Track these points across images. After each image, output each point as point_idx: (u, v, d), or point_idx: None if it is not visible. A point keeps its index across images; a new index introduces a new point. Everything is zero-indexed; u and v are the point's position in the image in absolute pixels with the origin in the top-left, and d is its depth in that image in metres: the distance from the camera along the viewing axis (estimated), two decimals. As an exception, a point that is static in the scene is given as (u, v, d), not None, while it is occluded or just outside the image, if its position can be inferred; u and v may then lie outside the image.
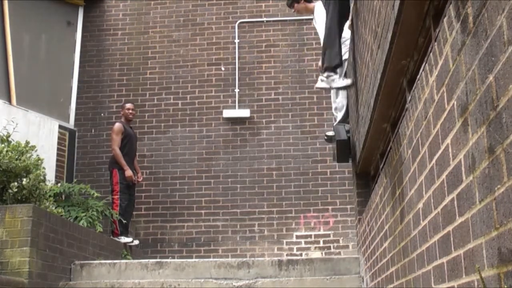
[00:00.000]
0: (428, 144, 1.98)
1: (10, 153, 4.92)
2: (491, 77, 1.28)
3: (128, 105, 7.44)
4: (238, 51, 8.51)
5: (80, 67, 8.64)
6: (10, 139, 5.45)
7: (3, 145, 5.08)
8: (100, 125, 8.45)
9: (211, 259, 6.04)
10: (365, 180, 5.03)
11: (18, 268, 4.37)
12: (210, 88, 8.45)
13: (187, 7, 8.79)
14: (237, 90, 8.35)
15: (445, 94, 1.73)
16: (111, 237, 6.72)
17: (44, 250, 4.68)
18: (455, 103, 1.61)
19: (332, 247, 7.72)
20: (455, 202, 1.65)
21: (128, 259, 6.44)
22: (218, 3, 8.75)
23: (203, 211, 8.01)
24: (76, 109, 8.52)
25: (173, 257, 7.56)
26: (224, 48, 8.58)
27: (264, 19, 8.59)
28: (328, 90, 5.34)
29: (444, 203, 1.78)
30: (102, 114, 8.51)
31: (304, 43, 8.45)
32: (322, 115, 8.15)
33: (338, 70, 4.67)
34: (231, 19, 8.66)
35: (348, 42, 5.05)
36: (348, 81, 4.66)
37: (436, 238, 1.91)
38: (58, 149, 7.95)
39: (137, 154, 7.57)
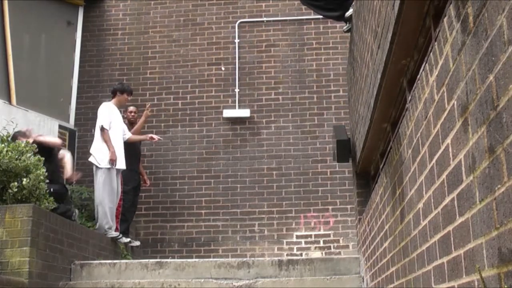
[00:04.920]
0: (428, 144, 1.98)
1: (10, 153, 4.91)
2: (491, 77, 1.28)
3: (130, 108, 7.53)
4: (238, 51, 8.51)
5: (80, 67, 8.63)
6: (10, 139, 5.44)
7: (3, 145, 5.07)
8: (100, 125, 8.43)
9: (211, 259, 6.04)
10: (365, 180, 5.03)
11: (18, 268, 4.37)
12: (210, 88, 8.44)
13: (187, 7, 8.78)
14: (237, 90, 8.34)
15: (445, 94, 1.73)
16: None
17: (44, 250, 4.68)
18: (455, 103, 1.61)
19: (332, 247, 7.71)
20: (455, 202, 1.65)
21: (128, 259, 6.43)
22: (218, 3, 8.75)
23: (203, 211, 8.00)
24: (76, 109, 8.51)
25: (173, 257, 7.56)
26: (224, 48, 8.57)
27: (264, 19, 8.59)
28: None
29: (444, 203, 1.78)
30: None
31: (304, 43, 8.45)
32: (322, 115, 8.14)
33: None
34: (231, 19, 8.66)
35: None
36: None
37: (436, 238, 1.91)
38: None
39: (141, 158, 7.55)
